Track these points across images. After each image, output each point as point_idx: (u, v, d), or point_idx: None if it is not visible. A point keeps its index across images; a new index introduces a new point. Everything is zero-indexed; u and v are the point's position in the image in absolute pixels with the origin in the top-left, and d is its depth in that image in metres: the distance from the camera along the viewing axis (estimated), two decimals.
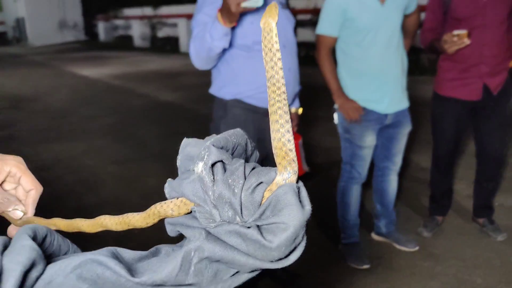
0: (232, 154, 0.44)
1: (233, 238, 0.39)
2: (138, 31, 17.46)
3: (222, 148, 0.43)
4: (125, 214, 0.50)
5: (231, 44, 1.91)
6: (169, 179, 0.46)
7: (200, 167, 0.42)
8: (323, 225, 2.95)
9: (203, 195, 0.41)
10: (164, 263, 0.40)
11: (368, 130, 2.44)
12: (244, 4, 1.64)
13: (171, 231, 0.46)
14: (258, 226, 0.38)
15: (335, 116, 2.49)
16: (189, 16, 15.06)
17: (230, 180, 0.41)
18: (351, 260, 2.53)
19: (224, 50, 1.92)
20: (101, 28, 20.57)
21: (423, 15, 2.69)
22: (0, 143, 5.42)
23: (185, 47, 14.83)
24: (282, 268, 2.40)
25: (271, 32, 0.42)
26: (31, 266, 0.38)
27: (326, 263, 2.59)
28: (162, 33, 16.95)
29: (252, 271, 0.41)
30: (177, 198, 0.44)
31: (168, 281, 0.40)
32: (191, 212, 0.43)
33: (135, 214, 0.49)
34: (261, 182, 0.40)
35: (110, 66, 12.38)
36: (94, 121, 6.34)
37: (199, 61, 1.93)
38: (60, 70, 12.15)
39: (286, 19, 2.11)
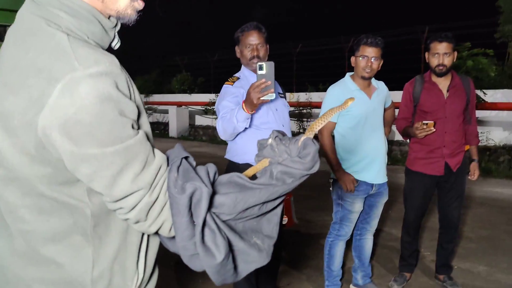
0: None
1: (289, 163, 0.96)
2: None
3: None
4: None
5: None
6: (256, 153, 1.07)
7: (270, 140, 1.04)
8: (311, 279, 3.47)
9: (272, 153, 1.03)
10: (262, 175, 0.98)
11: (357, 198, 3.02)
12: (262, 98, 2.29)
13: (258, 172, 1.05)
14: (299, 157, 0.98)
15: (331, 184, 3.09)
16: (179, 104, 16.10)
17: (283, 141, 1.03)
18: None
19: None
20: None
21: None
22: None
23: (174, 131, 15.66)
24: None
25: (346, 104, 1.08)
26: (215, 173, 0.96)
27: None
28: (152, 118, 17.87)
29: (300, 178, 0.96)
30: (261, 160, 1.05)
31: (265, 182, 0.95)
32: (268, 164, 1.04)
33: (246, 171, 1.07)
34: (297, 139, 1.01)
35: None
36: None
37: (225, 135, 2.56)
38: None
39: (283, 106, 2.78)
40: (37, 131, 0.82)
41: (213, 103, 14.47)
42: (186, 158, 0.95)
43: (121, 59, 1.04)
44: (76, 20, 0.91)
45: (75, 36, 0.89)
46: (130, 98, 0.90)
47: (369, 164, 2.99)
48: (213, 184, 0.95)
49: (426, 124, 3.05)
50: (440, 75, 3.16)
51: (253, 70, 2.66)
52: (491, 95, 9.81)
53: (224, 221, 0.94)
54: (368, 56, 2.86)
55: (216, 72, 18.57)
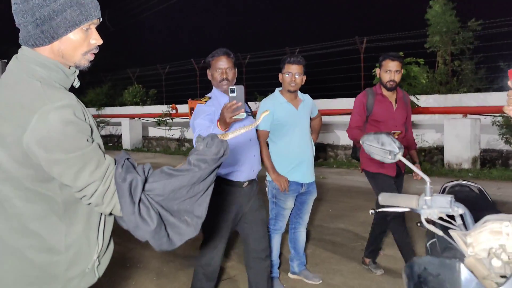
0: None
1: (201, 151, 1.38)
2: None
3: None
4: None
5: None
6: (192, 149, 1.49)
7: (196, 140, 1.46)
8: None
9: (195, 150, 1.45)
10: (182, 164, 1.40)
11: (289, 197, 3.46)
12: (234, 117, 2.51)
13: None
14: (207, 147, 1.41)
15: (267, 185, 3.53)
16: (131, 116, 16.24)
17: (202, 139, 1.45)
18: None
19: None
20: None
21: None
22: None
23: (128, 143, 15.77)
24: None
25: (259, 119, 1.54)
26: (149, 169, 1.37)
27: None
28: (105, 131, 17.89)
29: (211, 163, 1.37)
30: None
31: (185, 168, 1.36)
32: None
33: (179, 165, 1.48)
34: (209, 136, 1.44)
35: None
36: None
37: None
38: None
39: (251, 123, 3.12)
40: (22, 146, 1.24)
41: (166, 115, 14.73)
42: (128, 159, 1.35)
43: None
44: (46, 71, 1.35)
45: (45, 82, 1.31)
46: (86, 121, 1.33)
47: (297, 166, 3.45)
48: (148, 176, 1.35)
49: (394, 133, 3.53)
50: (390, 89, 3.65)
51: (223, 91, 2.97)
52: (424, 101, 10.66)
53: (158, 202, 1.33)
54: (292, 73, 3.34)
55: (167, 84, 18.84)
